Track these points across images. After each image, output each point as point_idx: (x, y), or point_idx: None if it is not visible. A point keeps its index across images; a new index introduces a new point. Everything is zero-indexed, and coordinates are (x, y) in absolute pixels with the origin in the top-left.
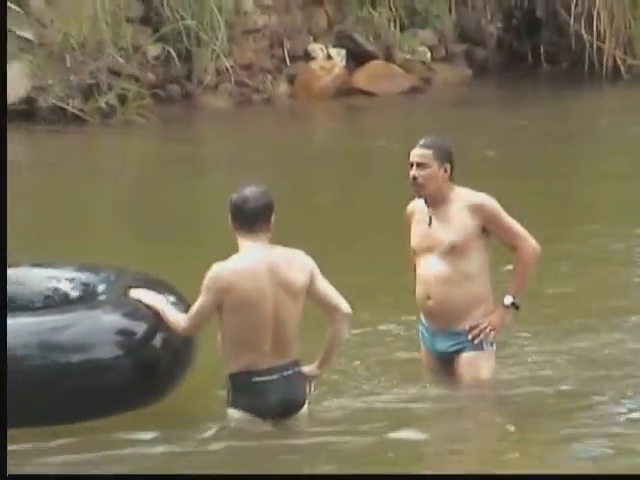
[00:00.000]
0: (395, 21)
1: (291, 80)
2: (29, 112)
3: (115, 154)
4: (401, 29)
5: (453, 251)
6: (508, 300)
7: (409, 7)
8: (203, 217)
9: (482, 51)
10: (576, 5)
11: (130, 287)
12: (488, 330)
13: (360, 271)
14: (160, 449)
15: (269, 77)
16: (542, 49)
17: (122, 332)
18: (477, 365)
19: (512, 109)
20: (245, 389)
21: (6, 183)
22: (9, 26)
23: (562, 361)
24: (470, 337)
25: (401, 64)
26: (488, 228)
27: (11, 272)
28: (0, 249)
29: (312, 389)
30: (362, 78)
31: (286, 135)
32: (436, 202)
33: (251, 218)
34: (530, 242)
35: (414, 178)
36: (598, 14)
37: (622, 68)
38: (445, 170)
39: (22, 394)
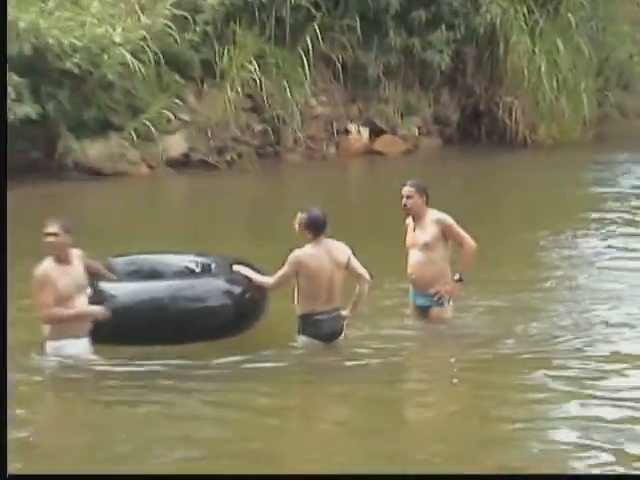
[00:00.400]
0: (398, 112)
1: (337, 145)
2: (185, 162)
3: (234, 188)
4: (401, 116)
5: (425, 247)
6: (456, 276)
7: (406, 103)
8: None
9: (448, 129)
10: (502, 104)
11: (231, 265)
12: (445, 293)
13: (380, 259)
14: (250, 363)
15: (324, 144)
16: (483, 129)
17: (226, 291)
18: (439, 316)
19: (464, 164)
20: (309, 323)
21: (6, 184)
22: (176, 112)
23: (496, 311)
24: (435, 298)
25: (400, 136)
26: (445, 233)
27: (161, 257)
28: (0, 249)
29: (345, 324)
30: (378, 144)
31: (335, 177)
32: (417, 218)
33: (322, 227)
34: (470, 241)
35: (404, 205)
36: (515, 109)
37: (529, 141)
38: (422, 199)
39: (169, 327)
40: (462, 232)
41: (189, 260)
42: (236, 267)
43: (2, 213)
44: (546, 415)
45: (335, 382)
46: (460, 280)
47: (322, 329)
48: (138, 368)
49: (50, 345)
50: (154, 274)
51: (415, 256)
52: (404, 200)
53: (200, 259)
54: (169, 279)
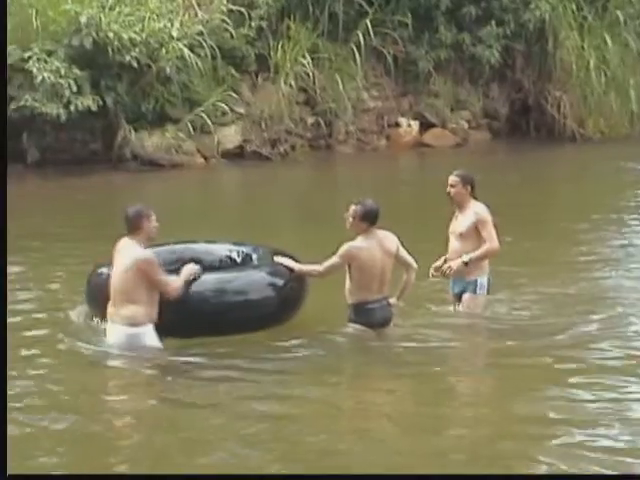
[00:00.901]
0: (448, 105)
1: (388, 138)
2: (239, 154)
3: (287, 179)
4: (451, 110)
5: (460, 236)
6: (464, 258)
7: (456, 97)
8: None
9: (497, 123)
10: (551, 98)
11: (273, 255)
12: (447, 269)
13: (426, 240)
14: (305, 350)
15: (375, 136)
16: (531, 123)
17: (268, 283)
18: (471, 302)
19: (513, 158)
20: (361, 312)
21: (6, 185)
22: (232, 105)
23: (529, 303)
24: (437, 273)
25: (450, 130)
26: (478, 227)
27: (201, 246)
28: (0, 250)
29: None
30: (428, 137)
31: (385, 169)
32: (460, 207)
33: (375, 218)
34: (493, 244)
35: (448, 193)
36: (563, 104)
37: (577, 135)
38: (466, 189)
39: (211, 319)
40: (492, 232)
41: (229, 249)
42: (278, 258)
43: (2, 213)
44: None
45: (386, 374)
46: (465, 263)
47: (374, 317)
48: (199, 359)
49: (126, 332)
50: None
51: (452, 244)
52: (448, 188)
53: (240, 248)
54: (210, 271)
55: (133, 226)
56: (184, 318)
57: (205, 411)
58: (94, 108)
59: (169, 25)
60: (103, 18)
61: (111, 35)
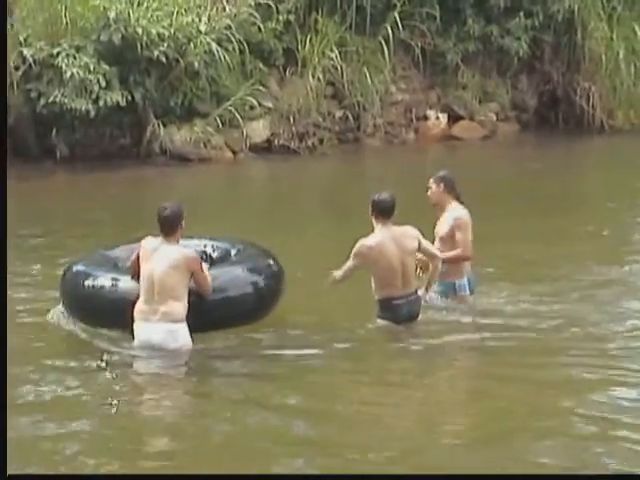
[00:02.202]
0: (476, 98)
1: (416, 131)
2: (268, 148)
3: (315, 172)
4: (479, 103)
5: (441, 240)
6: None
7: (484, 90)
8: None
9: (525, 115)
10: (579, 90)
11: (252, 251)
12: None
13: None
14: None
15: (403, 129)
16: (560, 114)
17: (245, 281)
18: (459, 302)
19: (542, 150)
20: (387, 308)
21: (6, 186)
22: (260, 99)
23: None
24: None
25: (478, 122)
26: (455, 231)
27: (185, 242)
28: (0, 250)
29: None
30: (456, 130)
31: (413, 160)
32: (440, 209)
33: (389, 212)
34: (466, 251)
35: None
36: (592, 95)
37: (606, 126)
38: (440, 188)
39: (190, 317)
40: (467, 239)
41: (208, 245)
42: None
43: (2, 214)
44: None
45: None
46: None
47: (400, 313)
48: (230, 353)
49: (167, 328)
50: None
51: (436, 245)
52: (428, 191)
53: (219, 244)
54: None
55: (172, 227)
56: None
57: (243, 407)
58: (123, 103)
59: (197, 20)
60: (131, 13)
61: (139, 30)
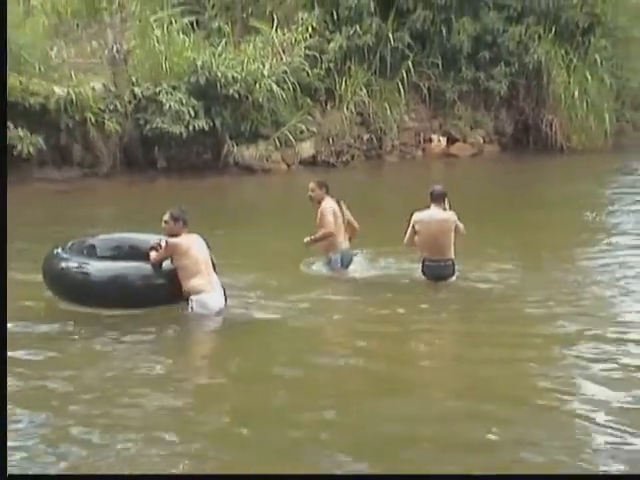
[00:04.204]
0: (468, 125)
1: (423, 150)
2: (313, 162)
3: (347, 181)
4: (470, 129)
5: (318, 225)
6: (306, 239)
7: (474, 119)
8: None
9: (504, 139)
10: (545, 120)
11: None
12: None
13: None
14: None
15: (414, 149)
16: (530, 139)
17: (154, 273)
18: (336, 273)
19: (517, 165)
20: (423, 266)
21: (6, 185)
22: (307, 126)
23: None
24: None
25: (470, 143)
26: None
27: (137, 236)
28: (0, 250)
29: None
30: (453, 149)
31: (421, 172)
32: (318, 204)
33: (437, 197)
34: (326, 230)
35: (309, 197)
36: (555, 124)
37: (564, 148)
38: (322, 190)
39: (116, 296)
40: (325, 220)
41: (140, 240)
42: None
43: (2, 214)
44: None
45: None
46: (306, 244)
47: (429, 272)
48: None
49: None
50: (131, 251)
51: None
52: (309, 192)
53: (151, 239)
54: (113, 260)
55: (185, 222)
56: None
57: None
58: (206, 128)
59: (261, 66)
60: (213, 62)
61: (219, 74)
